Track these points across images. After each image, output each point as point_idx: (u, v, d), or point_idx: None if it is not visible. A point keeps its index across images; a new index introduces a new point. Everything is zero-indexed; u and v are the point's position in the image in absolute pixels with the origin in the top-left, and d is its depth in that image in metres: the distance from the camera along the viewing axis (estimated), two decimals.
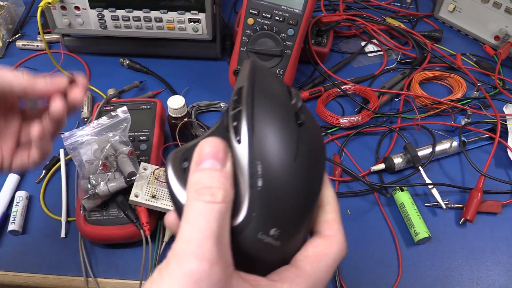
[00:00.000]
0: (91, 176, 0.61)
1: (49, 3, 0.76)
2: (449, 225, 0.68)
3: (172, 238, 0.64)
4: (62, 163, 0.72)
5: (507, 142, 0.75)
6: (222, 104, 0.80)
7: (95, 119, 0.69)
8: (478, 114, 0.79)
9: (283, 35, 0.72)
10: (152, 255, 0.62)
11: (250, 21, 0.72)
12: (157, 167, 0.63)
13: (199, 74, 0.88)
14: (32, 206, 0.69)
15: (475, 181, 0.70)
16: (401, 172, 0.74)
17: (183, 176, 0.28)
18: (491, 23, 0.91)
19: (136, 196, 0.60)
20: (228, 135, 0.27)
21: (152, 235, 0.62)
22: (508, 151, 0.74)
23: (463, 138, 0.75)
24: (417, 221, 0.65)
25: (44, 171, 0.72)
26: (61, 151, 0.73)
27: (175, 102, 0.68)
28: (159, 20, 0.80)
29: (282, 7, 0.70)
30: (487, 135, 0.76)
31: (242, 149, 0.26)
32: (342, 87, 0.82)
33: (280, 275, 0.27)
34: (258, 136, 0.26)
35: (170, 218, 0.31)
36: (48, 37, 0.92)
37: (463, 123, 0.78)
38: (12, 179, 0.70)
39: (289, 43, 0.72)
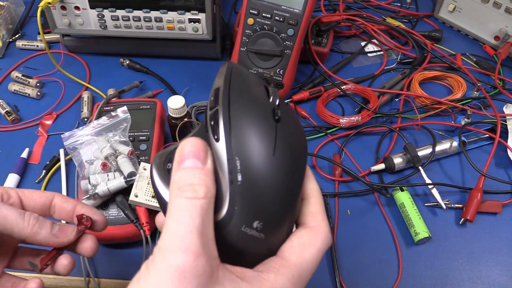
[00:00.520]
0: (91, 176, 0.61)
1: (49, 3, 0.76)
2: (449, 225, 0.68)
3: None
4: (62, 163, 0.72)
5: (507, 142, 0.75)
6: None
7: (95, 119, 0.69)
8: (478, 114, 0.79)
9: (283, 35, 0.72)
10: None
11: (250, 21, 0.72)
12: None
13: (199, 74, 0.88)
14: None
15: (475, 181, 0.70)
16: (401, 172, 0.74)
17: (167, 177, 0.29)
18: (491, 23, 0.91)
19: (136, 196, 0.60)
20: (207, 135, 0.28)
21: (152, 235, 0.62)
22: (508, 151, 0.74)
23: (463, 138, 0.75)
24: (417, 221, 0.65)
25: (44, 171, 0.72)
26: (61, 151, 0.73)
27: (175, 102, 0.68)
28: (159, 20, 0.80)
29: (282, 7, 0.70)
30: (487, 135, 0.76)
31: (220, 147, 0.27)
32: (342, 87, 0.82)
33: (266, 265, 0.28)
34: (235, 133, 0.27)
35: (160, 219, 0.32)
36: (48, 37, 0.92)
37: (463, 123, 0.78)
38: (12, 179, 0.70)
39: (289, 43, 0.72)
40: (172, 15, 0.79)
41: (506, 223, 0.68)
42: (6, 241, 0.44)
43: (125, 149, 0.64)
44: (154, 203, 0.61)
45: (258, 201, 0.27)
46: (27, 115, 0.81)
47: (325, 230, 0.30)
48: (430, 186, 0.69)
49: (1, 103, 0.81)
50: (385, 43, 0.94)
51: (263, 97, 0.30)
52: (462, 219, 0.67)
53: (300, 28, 0.71)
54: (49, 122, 0.79)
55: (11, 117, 0.79)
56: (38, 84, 0.84)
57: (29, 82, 0.84)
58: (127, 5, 0.78)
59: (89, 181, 0.61)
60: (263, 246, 0.28)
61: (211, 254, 0.25)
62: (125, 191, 0.62)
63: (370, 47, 0.94)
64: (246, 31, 0.73)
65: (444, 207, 0.68)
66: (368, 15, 0.98)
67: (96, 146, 0.64)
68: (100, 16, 0.80)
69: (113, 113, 0.69)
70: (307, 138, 0.76)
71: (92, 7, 0.79)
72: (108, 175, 0.61)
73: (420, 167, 0.70)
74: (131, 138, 0.68)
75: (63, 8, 0.80)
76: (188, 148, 0.27)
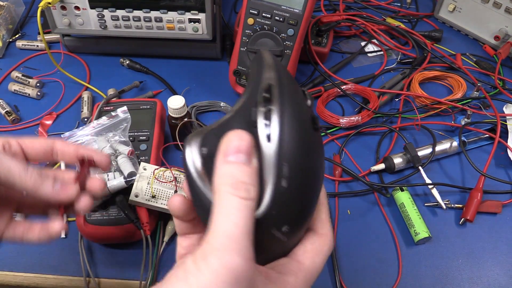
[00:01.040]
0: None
1: (49, 3, 0.76)
2: (449, 225, 0.68)
3: (172, 238, 0.64)
4: (62, 163, 0.72)
5: (507, 142, 0.75)
6: (222, 104, 0.80)
7: (95, 119, 0.69)
8: (478, 114, 0.79)
9: (283, 35, 0.72)
10: (152, 255, 0.62)
11: (250, 21, 0.72)
12: (157, 167, 0.63)
13: (199, 74, 0.88)
14: None
15: (475, 181, 0.70)
16: (401, 172, 0.74)
17: (202, 161, 0.28)
18: (491, 23, 0.91)
19: (136, 196, 0.60)
20: (254, 131, 0.27)
21: (152, 235, 0.62)
22: (508, 151, 0.74)
23: (463, 138, 0.75)
24: (417, 221, 0.65)
25: None
26: None
27: (175, 102, 0.68)
28: (159, 20, 0.80)
29: (282, 7, 0.70)
30: (487, 135, 0.76)
31: (271, 148, 0.27)
32: (342, 87, 0.82)
33: (285, 268, 0.30)
34: (286, 138, 0.27)
35: (176, 202, 0.31)
36: (48, 37, 0.92)
37: (463, 123, 0.78)
38: None
39: (289, 43, 0.72)
40: (172, 15, 0.79)
41: (506, 223, 0.68)
42: (10, 193, 0.44)
43: (125, 149, 0.64)
44: (154, 203, 0.61)
45: (294, 208, 0.28)
46: (27, 115, 0.81)
47: (331, 238, 0.33)
48: (430, 186, 0.69)
49: (1, 103, 0.81)
50: (385, 43, 0.94)
51: (304, 101, 0.30)
52: (462, 219, 0.67)
53: (300, 28, 0.71)
54: (49, 122, 0.79)
55: (11, 117, 0.79)
56: (38, 84, 0.84)
57: (29, 82, 0.84)
58: (127, 5, 0.78)
59: None
60: (283, 248, 0.30)
61: (254, 257, 0.26)
62: (125, 191, 0.61)
63: (370, 47, 0.94)
64: (246, 31, 0.73)
65: (444, 207, 0.68)
66: (368, 15, 0.98)
67: (96, 146, 0.65)
68: (100, 16, 0.80)
69: (113, 113, 0.69)
70: None
71: (92, 7, 0.79)
72: (108, 175, 0.61)
73: (420, 167, 0.70)
74: (131, 138, 0.68)
75: (63, 8, 0.80)
76: (237, 141, 0.26)
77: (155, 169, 0.63)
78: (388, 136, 0.79)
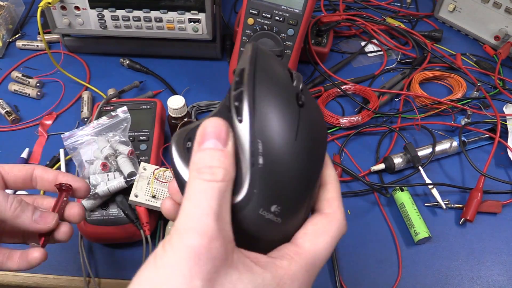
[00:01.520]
0: (91, 176, 0.61)
1: (49, 3, 0.76)
2: (449, 225, 0.68)
3: None
4: (62, 163, 0.72)
5: (507, 142, 0.75)
6: None
7: (95, 119, 0.69)
8: (478, 114, 0.79)
9: (283, 35, 0.72)
10: None
11: (250, 21, 0.72)
12: (157, 167, 0.63)
13: (199, 74, 0.88)
14: None
15: (475, 181, 0.70)
16: (401, 172, 0.74)
17: (186, 155, 0.29)
18: (491, 23, 0.91)
19: (136, 196, 0.60)
20: (230, 115, 0.28)
21: (152, 235, 0.62)
22: (508, 151, 0.74)
23: (463, 138, 0.75)
24: (417, 221, 0.65)
25: None
26: (61, 151, 0.73)
27: (175, 102, 0.68)
28: (159, 20, 0.80)
29: (282, 7, 0.70)
30: (487, 135, 0.76)
31: (243, 128, 0.27)
32: (342, 87, 0.82)
33: (280, 252, 0.28)
34: (259, 115, 0.27)
35: (166, 205, 0.32)
36: (48, 37, 0.92)
37: (463, 123, 0.78)
38: None
39: (289, 43, 0.72)
40: (172, 15, 0.79)
41: (506, 223, 0.68)
42: None
43: (125, 149, 0.64)
44: (154, 203, 0.61)
45: (278, 184, 0.27)
46: (27, 115, 0.81)
47: (340, 217, 0.30)
48: (430, 186, 0.69)
49: (1, 103, 0.81)
50: (385, 43, 0.94)
51: (287, 80, 0.30)
52: (462, 219, 0.67)
53: (300, 28, 0.71)
54: (49, 122, 0.79)
55: (11, 117, 0.79)
56: (38, 84, 0.84)
57: (29, 82, 0.84)
58: (127, 5, 0.78)
59: (89, 181, 0.61)
60: (279, 231, 0.28)
61: (227, 237, 0.25)
62: (125, 191, 0.62)
63: (370, 47, 0.94)
64: (246, 31, 0.73)
65: (444, 207, 0.68)
66: (368, 15, 0.98)
67: (96, 146, 0.64)
68: (100, 16, 0.80)
69: (113, 113, 0.69)
70: None
71: (92, 7, 0.79)
72: (108, 175, 0.61)
73: (420, 167, 0.70)
74: (131, 138, 0.68)
75: (63, 8, 0.80)
76: (210, 128, 0.27)
77: (155, 169, 0.63)
78: (388, 136, 0.79)
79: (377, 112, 0.79)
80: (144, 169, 0.63)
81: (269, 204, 0.27)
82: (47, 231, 0.43)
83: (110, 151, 0.63)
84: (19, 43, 0.92)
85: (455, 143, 0.74)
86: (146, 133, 0.70)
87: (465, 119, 0.77)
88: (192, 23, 0.80)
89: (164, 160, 0.66)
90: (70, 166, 0.72)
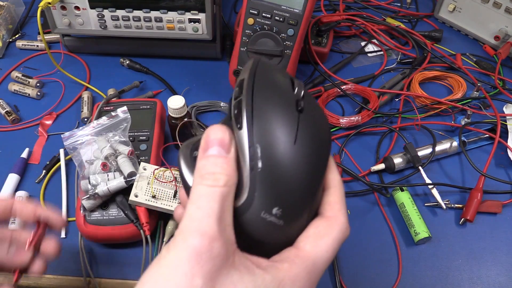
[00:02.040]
0: (91, 176, 0.61)
1: (49, 3, 0.76)
2: (449, 225, 0.68)
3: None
4: (62, 163, 0.72)
5: (507, 142, 0.75)
6: (222, 104, 0.80)
7: (95, 119, 0.69)
8: (478, 114, 0.79)
9: (283, 35, 0.72)
10: (152, 255, 0.62)
11: (250, 21, 0.72)
12: (157, 167, 0.63)
13: (199, 74, 0.88)
14: None
15: (475, 181, 0.70)
16: (401, 172, 0.74)
17: (193, 163, 0.30)
18: (491, 23, 0.91)
19: (136, 196, 0.60)
20: (230, 123, 0.29)
21: (152, 235, 0.62)
22: (508, 151, 0.74)
23: (463, 138, 0.75)
24: (417, 221, 0.65)
25: (44, 171, 0.72)
26: (61, 151, 0.73)
27: (175, 102, 0.68)
28: (159, 20, 0.80)
29: (282, 7, 0.70)
30: (487, 135, 0.76)
31: (242, 134, 0.28)
32: (342, 87, 0.82)
33: (281, 256, 0.29)
34: (257, 121, 0.28)
35: (178, 212, 0.34)
36: (48, 37, 0.92)
37: (463, 123, 0.78)
38: (12, 179, 0.70)
39: (289, 43, 0.72)
40: (172, 15, 0.79)
41: (506, 223, 0.68)
42: None
43: (125, 149, 0.64)
44: (154, 203, 0.61)
45: (278, 187, 0.28)
46: (27, 115, 0.81)
47: (342, 220, 0.30)
48: (430, 186, 0.69)
49: (1, 103, 0.81)
50: (385, 43, 0.94)
51: (287, 88, 0.31)
52: (462, 219, 0.67)
53: (300, 28, 0.71)
54: (49, 122, 0.79)
55: (11, 117, 0.79)
56: (38, 84, 0.84)
57: (29, 82, 0.84)
58: (127, 5, 0.78)
59: (89, 181, 0.61)
60: (282, 233, 0.29)
61: (228, 239, 0.26)
62: (125, 191, 0.62)
63: (370, 47, 0.94)
64: (246, 31, 0.73)
65: (444, 207, 0.68)
66: (368, 15, 0.98)
67: (96, 146, 0.65)
68: (100, 16, 0.80)
69: (113, 113, 0.69)
70: None
71: (92, 7, 0.79)
72: (108, 175, 0.61)
73: (420, 167, 0.70)
74: (131, 138, 0.68)
75: (63, 8, 0.80)
76: (213, 135, 0.28)
77: (155, 169, 0.63)
78: (388, 136, 0.79)
79: (377, 112, 0.79)
80: (144, 169, 0.63)
81: (270, 207, 0.28)
82: (22, 266, 0.44)
83: (110, 151, 0.63)
84: (19, 43, 0.92)
85: (455, 143, 0.74)
86: (146, 133, 0.70)
87: (465, 119, 0.77)
88: (192, 23, 0.80)
89: (164, 160, 0.66)
90: (70, 166, 0.72)
